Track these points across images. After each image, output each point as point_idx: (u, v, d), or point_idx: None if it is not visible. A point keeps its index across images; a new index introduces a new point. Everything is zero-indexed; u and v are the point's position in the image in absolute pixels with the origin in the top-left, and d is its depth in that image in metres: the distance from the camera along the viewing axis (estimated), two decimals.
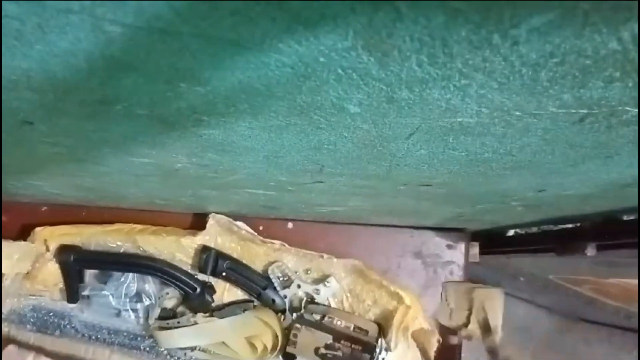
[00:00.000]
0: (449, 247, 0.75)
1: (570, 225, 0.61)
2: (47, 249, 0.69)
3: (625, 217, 0.51)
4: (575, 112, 0.24)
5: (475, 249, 0.76)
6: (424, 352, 0.68)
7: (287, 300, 0.69)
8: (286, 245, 0.71)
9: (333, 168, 0.39)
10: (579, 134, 0.27)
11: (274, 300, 0.69)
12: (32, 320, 0.70)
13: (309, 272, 0.70)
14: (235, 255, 0.70)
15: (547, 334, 1.90)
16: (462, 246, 0.75)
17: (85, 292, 0.68)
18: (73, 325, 0.70)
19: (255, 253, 0.70)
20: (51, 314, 0.70)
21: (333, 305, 0.70)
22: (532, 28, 0.17)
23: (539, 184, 0.41)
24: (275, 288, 0.69)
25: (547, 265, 0.93)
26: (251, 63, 0.21)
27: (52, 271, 0.69)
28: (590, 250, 0.56)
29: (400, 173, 0.39)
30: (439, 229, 0.75)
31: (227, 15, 0.17)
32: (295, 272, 0.70)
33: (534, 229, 0.71)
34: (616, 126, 0.25)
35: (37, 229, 0.70)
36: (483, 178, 0.40)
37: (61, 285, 0.70)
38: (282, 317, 0.69)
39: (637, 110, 0.23)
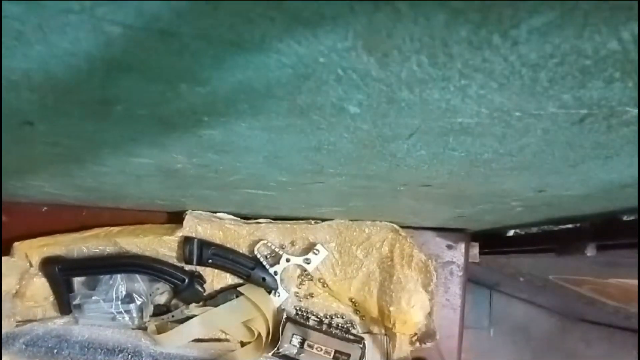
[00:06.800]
0: (449, 247, 0.75)
1: (570, 225, 0.61)
2: (30, 264, 0.68)
3: (625, 217, 0.51)
4: (575, 112, 0.24)
5: (475, 249, 0.76)
6: (425, 282, 0.69)
7: (277, 277, 0.69)
8: (272, 221, 0.70)
9: (333, 168, 0.39)
10: (579, 134, 0.27)
11: (264, 279, 0.68)
12: (29, 348, 0.68)
13: (294, 244, 0.70)
14: (218, 241, 0.69)
15: (547, 334, 1.90)
16: (462, 246, 0.75)
17: (77, 301, 0.67)
18: (69, 348, 0.69)
19: (238, 235, 0.70)
20: (46, 337, 0.68)
21: (324, 272, 0.69)
22: (532, 28, 0.17)
23: (539, 184, 0.41)
24: (264, 267, 0.68)
25: (547, 265, 0.93)
26: (251, 63, 0.21)
27: (39, 286, 0.69)
28: (590, 250, 0.56)
29: (400, 173, 0.39)
30: (439, 229, 0.75)
31: (227, 16, 0.17)
32: (282, 247, 0.70)
33: (534, 229, 0.71)
34: (616, 126, 0.25)
35: (16, 243, 0.69)
36: (483, 178, 0.40)
37: (52, 298, 0.69)
38: (277, 294, 0.69)
39: (637, 110, 0.23)
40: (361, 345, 0.67)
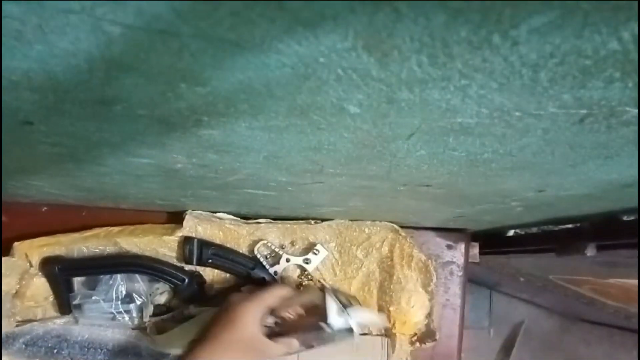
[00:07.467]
0: (449, 247, 0.75)
1: (570, 225, 0.61)
2: (30, 264, 0.68)
3: (625, 217, 0.51)
4: (575, 112, 0.24)
5: (475, 249, 0.76)
6: (425, 282, 0.69)
7: (277, 277, 0.69)
8: (272, 221, 0.70)
9: (333, 168, 0.39)
10: (579, 134, 0.27)
11: (264, 279, 0.69)
12: (28, 348, 0.68)
13: (294, 244, 0.70)
14: (218, 241, 0.69)
15: (547, 334, 1.90)
16: (462, 246, 0.75)
17: (76, 301, 0.67)
18: (69, 348, 0.68)
19: (238, 235, 0.70)
20: (46, 337, 0.68)
21: (324, 272, 0.70)
22: (532, 28, 0.17)
23: (539, 184, 0.41)
24: (264, 267, 0.69)
25: (547, 265, 0.93)
26: (251, 63, 0.21)
27: (39, 286, 0.69)
28: (590, 250, 0.56)
29: (400, 173, 0.39)
30: (439, 229, 0.75)
31: (227, 16, 0.17)
32: (282, 247, 0.70)
33: (534, 229, 0.71)
34: (616, 126, 0.25)
35: (16, 243, 0.68)
36: (483, 178, 0.40)
37: (52, 298, 0.69)
38: None
39: (637, 110, 0.23)
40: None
